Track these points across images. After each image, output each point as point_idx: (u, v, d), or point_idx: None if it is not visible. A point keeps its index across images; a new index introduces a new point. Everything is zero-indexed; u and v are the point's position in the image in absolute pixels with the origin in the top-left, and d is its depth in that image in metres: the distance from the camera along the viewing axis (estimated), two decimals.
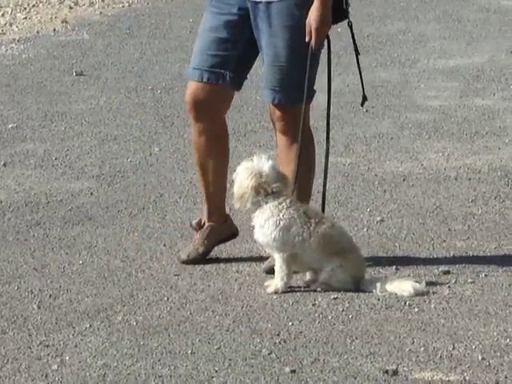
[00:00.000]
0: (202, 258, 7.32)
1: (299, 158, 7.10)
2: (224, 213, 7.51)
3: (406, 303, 6.44)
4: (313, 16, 6.91)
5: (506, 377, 5.61)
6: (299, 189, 7.18)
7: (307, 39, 6.93)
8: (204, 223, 7.41)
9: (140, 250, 7.13)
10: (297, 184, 7.15)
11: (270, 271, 7.11)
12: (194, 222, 7.35)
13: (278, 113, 7.22)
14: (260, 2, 7.03)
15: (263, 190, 6.80)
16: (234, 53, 7.17)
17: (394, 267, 6.93)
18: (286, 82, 7.09)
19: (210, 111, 7.23)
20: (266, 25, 7.07)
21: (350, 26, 7.18)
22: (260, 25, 7.07)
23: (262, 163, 6.91)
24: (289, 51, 7.08)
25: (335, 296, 6.53)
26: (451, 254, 7.07)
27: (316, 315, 6.32)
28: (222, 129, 7.30)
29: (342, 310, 6.35)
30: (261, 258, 7.11)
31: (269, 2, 7.02)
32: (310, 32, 6.90)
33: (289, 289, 6.73)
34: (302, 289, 6.76)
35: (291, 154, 7.19)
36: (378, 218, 7.64)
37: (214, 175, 7.33)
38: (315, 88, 7.23)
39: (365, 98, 7.41)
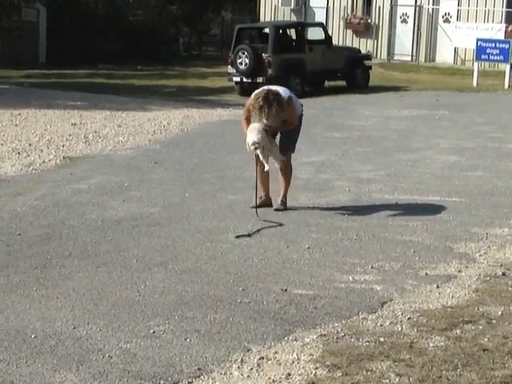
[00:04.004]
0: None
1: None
2: (268, 193, 7.98)
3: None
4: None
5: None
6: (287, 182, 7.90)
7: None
8: (261, 197, 7.90)
9: (180, 237, 6.97)
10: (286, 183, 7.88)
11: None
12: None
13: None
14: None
15: None
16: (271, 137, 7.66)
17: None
18: (288, 144, 7.70)
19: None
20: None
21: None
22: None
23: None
24: (289, 135, 7.70)
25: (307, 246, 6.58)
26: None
27: (293, 260, 6.27)
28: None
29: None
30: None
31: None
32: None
33: (286, 247, 6.70)
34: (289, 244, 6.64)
35: (284, 171, 7.77)
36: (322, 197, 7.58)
37: (265, 181, 7.87)
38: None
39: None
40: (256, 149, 7.54)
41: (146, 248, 6.65)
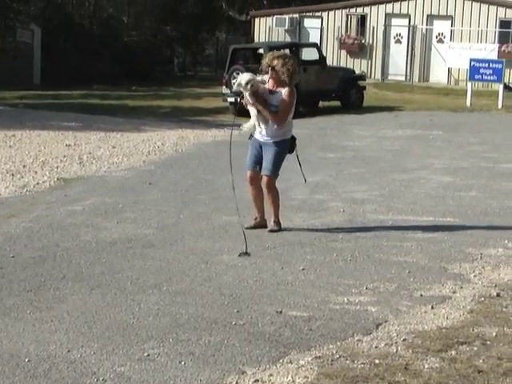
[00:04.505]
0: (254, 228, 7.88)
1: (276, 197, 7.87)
2: (263, 214, 7.99)
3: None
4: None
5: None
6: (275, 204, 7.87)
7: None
8: (256, 218, 7.96)
9: (175, 259, 6.96)
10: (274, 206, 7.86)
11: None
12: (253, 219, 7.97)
13: (266, 179, 7.69)
14: (265, 142, 7.66)
15: None
16: (260, 158, 7.72)
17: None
18: (272, 167, 7.67)
19: (255, 180, 7.84)
20: (267, 147, 7.64)
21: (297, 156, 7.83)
22: (264, 147, 7.63)
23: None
24: (273, 157, 7.65)
25: (302, 267, 6.53)
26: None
27: (287, 282, 6.25)
28: (259, 186, 7.83)
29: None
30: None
31: (268, 142, 7.64)
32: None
33: (281, 269, 6.69)
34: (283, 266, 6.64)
35: (268, 195, 7.81)
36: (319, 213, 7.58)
37: (259, 202, 7.95)
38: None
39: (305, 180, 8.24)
40: (252, 86, 7.57)
41: (141, 270, 6.64)
